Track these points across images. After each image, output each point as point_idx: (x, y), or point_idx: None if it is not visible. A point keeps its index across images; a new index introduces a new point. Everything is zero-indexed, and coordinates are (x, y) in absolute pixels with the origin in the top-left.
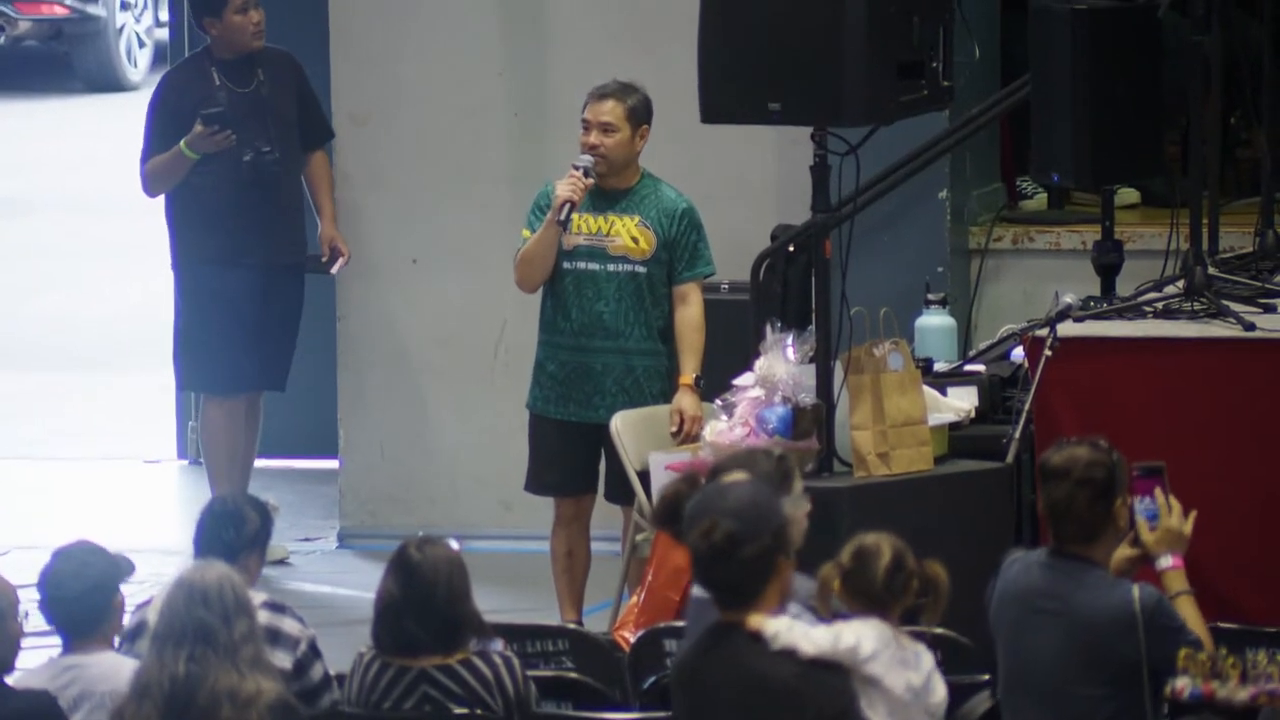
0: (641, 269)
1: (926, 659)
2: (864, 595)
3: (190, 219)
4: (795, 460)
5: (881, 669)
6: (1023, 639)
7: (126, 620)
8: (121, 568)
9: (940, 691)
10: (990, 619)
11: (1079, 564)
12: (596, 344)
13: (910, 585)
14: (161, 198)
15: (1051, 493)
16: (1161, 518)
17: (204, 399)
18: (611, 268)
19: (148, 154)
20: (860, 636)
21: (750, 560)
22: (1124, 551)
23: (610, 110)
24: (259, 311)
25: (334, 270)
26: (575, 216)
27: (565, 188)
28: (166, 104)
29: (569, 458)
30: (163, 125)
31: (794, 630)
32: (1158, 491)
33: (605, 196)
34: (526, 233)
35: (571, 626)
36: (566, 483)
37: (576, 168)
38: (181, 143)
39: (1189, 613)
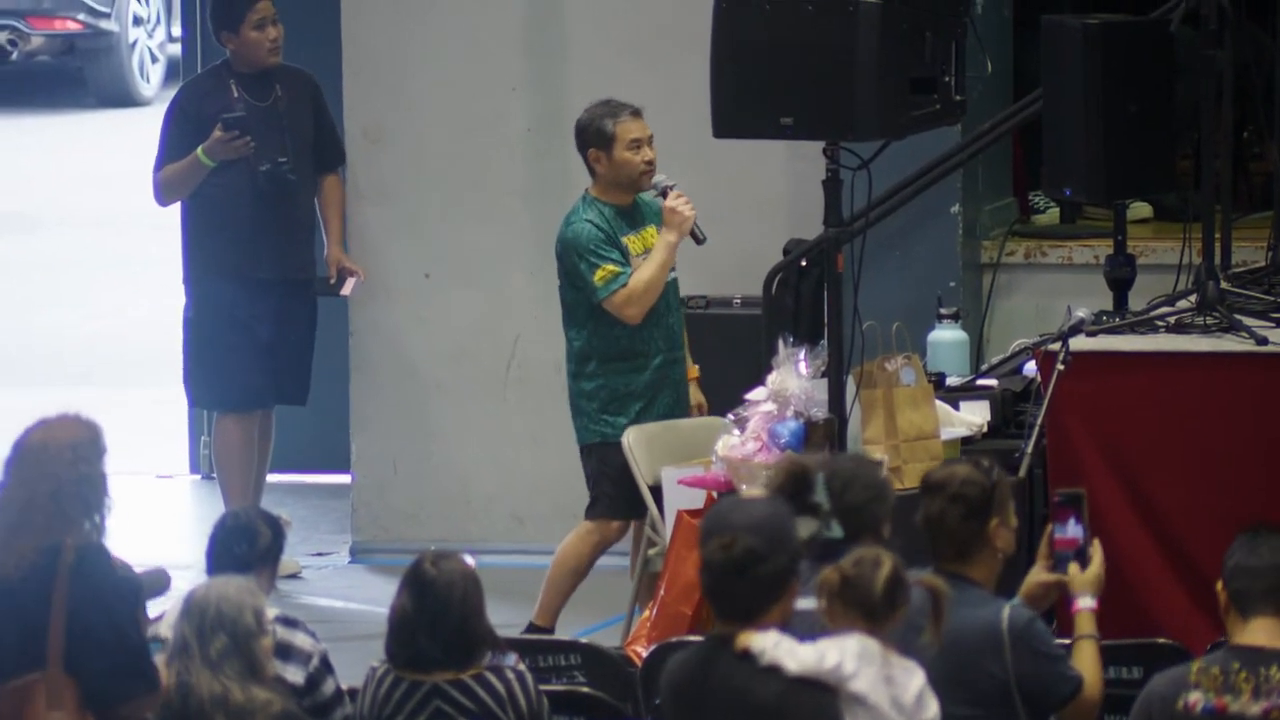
0: (676, 272)
1: (917, 676)
2: (861, 606)
3: (206, 231)
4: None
5: (866, 686)
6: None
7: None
8: (141, 584)
9: (932, 708)
10: None
11: (956, 582)
12: (675, 355)
13: (906, 600)
14: (178, 212)
15: (927, 507)
16: (1095, 560)
17: (218, 415)
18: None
19: (162, 162)
20: (844, 654)
21: (765, 578)
22: (1040, 577)
23: (645, 124)
24: (275, 326)
25: (346, 291)
26: (624, 240)
27: (686, 206)
28: (185, 112)
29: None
30: (179, 133)
31: (780, 647)
32: (1071, 522)
33: (630, 213)
34: (613, 269)
35: (584, 641)
36: (643, 504)
37: (666, 187)
38: (199, 149)
39: (1088, 656)
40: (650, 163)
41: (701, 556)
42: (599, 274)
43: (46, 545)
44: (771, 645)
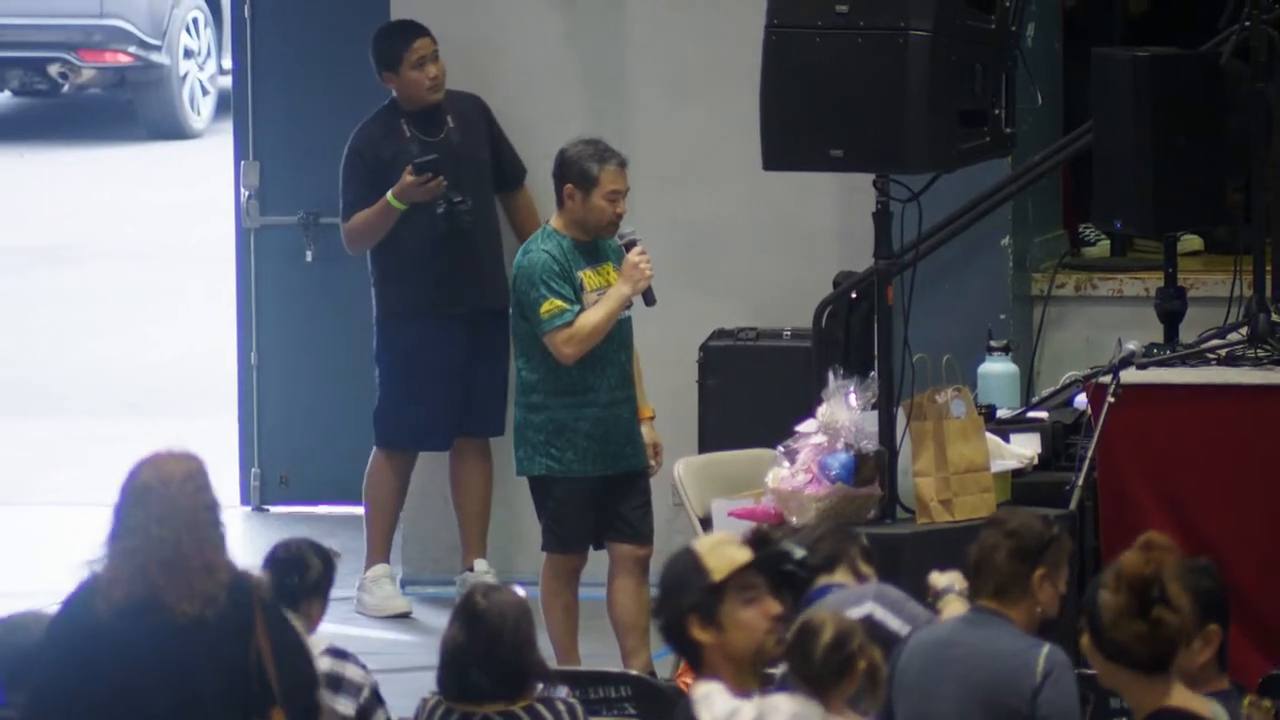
0: (630, 312)
1: None
2: (801, 674)
3: (391, 272)
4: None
5: None
6: (928, 688)
7: None
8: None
9: None
10: (893, 682)
11: (994, 618)
12: (626, 394)
13: (853, 668)
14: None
15: (982, 540)
16: None
17: (376, 448)
18: (621, 316)
19: (349, 212)
20: (761, 714)
21: (660, 624)
22: None
23: (627, 178)
24: (467, 360)
25: None
26: (580, 274)
27: (648, 265)
28: (362, 159)
29: (595, 512)
30: (360, 181)
31: (706, 699)
32: None
33: (588, 247)
34: (560, 304)
35: (634, 673)
36: (592, 538)
37: (632, 241)
38: (389, 194)
39: None
40: (620, 215)
41: None
42: (545, 306)
43: (233, 581)
44: (701, 696)
